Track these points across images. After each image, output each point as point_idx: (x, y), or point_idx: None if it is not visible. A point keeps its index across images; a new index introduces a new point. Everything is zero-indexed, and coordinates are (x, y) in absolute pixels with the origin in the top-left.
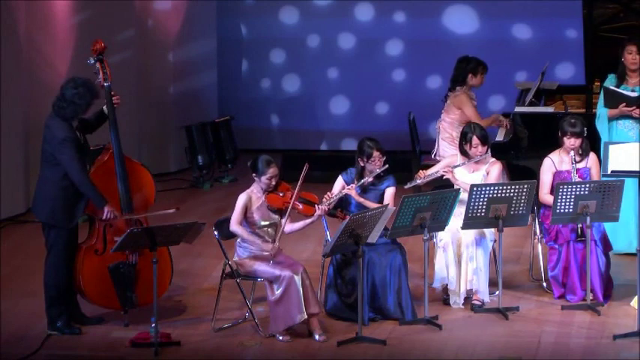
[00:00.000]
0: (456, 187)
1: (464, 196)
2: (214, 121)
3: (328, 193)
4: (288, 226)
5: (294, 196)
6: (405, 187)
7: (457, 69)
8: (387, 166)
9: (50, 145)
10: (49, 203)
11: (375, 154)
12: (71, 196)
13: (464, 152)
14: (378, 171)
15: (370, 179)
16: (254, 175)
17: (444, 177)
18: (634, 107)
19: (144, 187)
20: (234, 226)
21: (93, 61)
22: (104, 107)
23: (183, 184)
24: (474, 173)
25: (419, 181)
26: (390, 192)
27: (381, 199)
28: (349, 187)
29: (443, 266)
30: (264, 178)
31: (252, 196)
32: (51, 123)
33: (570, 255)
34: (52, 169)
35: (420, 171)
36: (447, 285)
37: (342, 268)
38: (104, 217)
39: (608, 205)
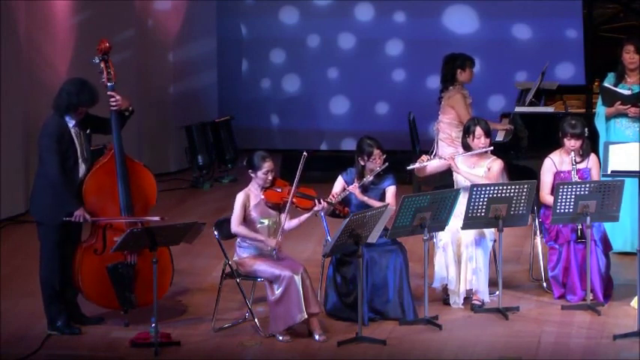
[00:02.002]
0: (455, 182)
1: (466, 188)
2: (214, 121)
3: (333, 194)
4: (288, 223)
5: (291, 190)
6: (407, 167)
7: (445, 67)
8: (387, 164)
9: (39, 138)
10: (38, 199)
11: (376, 152)
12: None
13: (467, 146)
14: (379, 169)
15: (371, 178)
16: (250, 171)
17: (445, 160)
18: (629, 105)
19: (145, 187)
20: (236, 227)
21: (98, 61)
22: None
23: (183, 184)
24: (475, 169)
25: (420, 164)
26: (391, 191)
27: (382, 198)
28: (353, 185)
29: (443, 266)
30: (260, 173)
31: (249, 194)
32: (46, 118)
33: (570, 255)
34: (42, 165)
35: (423, 155)
36: (446, 285)
37: (342, 268)
38: (72, 219)
39: (608, 205)
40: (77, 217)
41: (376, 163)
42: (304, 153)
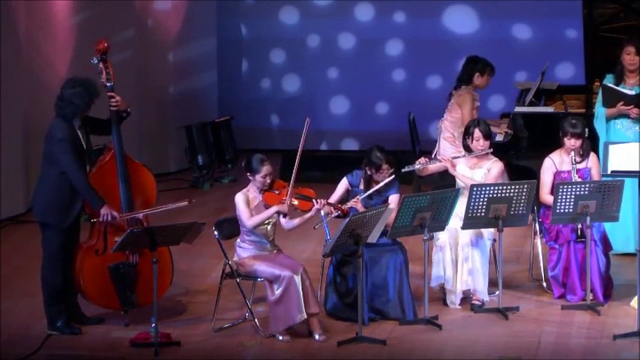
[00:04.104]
0: (457, 182)
1: (464, 191)
2: (214, 121)
3: (340, 205)
4: (288, 223)
5: (289, 192)
6: (402, 170)
7: (465, 67)
8: (393, 176)
9: (48, 144)
10: (44, 202)
11: (384, 167)
12: (66, 196)
13: (467, 148)
14: (385, 182)
15: (377, 187)
16: (248, 174)
17: (442, 162)
18: (631, 106)
19: (145, 187)
20: (249, 222)
21: (96, 61)
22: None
23: (183, 184)
24: (475, 170)
25: (417, 166)
26: (394, 199)
27: None
28: (355, 199)
29: (440, 266)
30: (258, 177)
31: (248, 195)
32: (52, 122)
33: (570, 255)
34: (48, 168)
35: (422, 157)
36: (443, 284)
37: (342, 267)
38: (101, 219)
39: (608, 205)
40: (104, 216)
41: (383, 175)
42: (307, 119)
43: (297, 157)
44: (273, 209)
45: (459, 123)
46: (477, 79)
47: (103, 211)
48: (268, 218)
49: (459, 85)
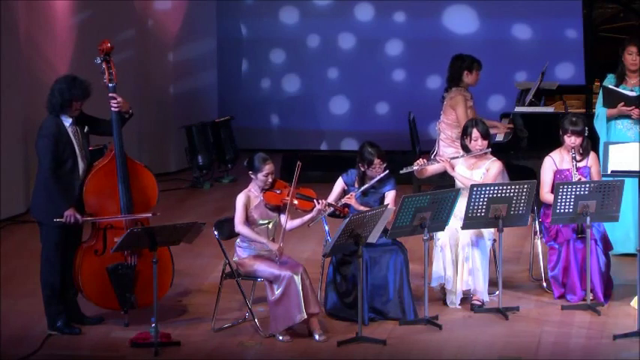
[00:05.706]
0: (457, 182)
1: (466, 188)
2: (214, 121)
3: (332, 201)
4: (289, 223)
5: (291, 192)
6: (400, 172)
7: (452, 67)
8: (387, 171)
9: (36, 139)
10: (37, 199)
11: (376, 161)
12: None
13: (465, 148)
14: (379, 177)
15: (371, 183)
16: (250, 173)
17: (439, 162)
18: (633, 107)
19: (146, 188)
20: (240, 226)
21: (99, 61)
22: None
23: (183, 184)
24: (474, 170)
25: (415, 167)
26: (390, 195)
27: (381, 203)
28: (349, 195)
29: (440, 266)
30: (260, 175)
31: (250, 195)
32: (43, 120)
33: (570, 255)
34: (40, 165)
35: (420, 159)
36: (444, 284)
37: (342, 267)
38: (64, 221)
39: (608, 205)
40: (67, 218)
41: (376, 171)
42: (298, 162)
43: (293, 183)
44: (264, 240)
45: (455, 125)
46: (467, 77)
47: (67, 212)
48: (256, 240)
49: (449, 86)
